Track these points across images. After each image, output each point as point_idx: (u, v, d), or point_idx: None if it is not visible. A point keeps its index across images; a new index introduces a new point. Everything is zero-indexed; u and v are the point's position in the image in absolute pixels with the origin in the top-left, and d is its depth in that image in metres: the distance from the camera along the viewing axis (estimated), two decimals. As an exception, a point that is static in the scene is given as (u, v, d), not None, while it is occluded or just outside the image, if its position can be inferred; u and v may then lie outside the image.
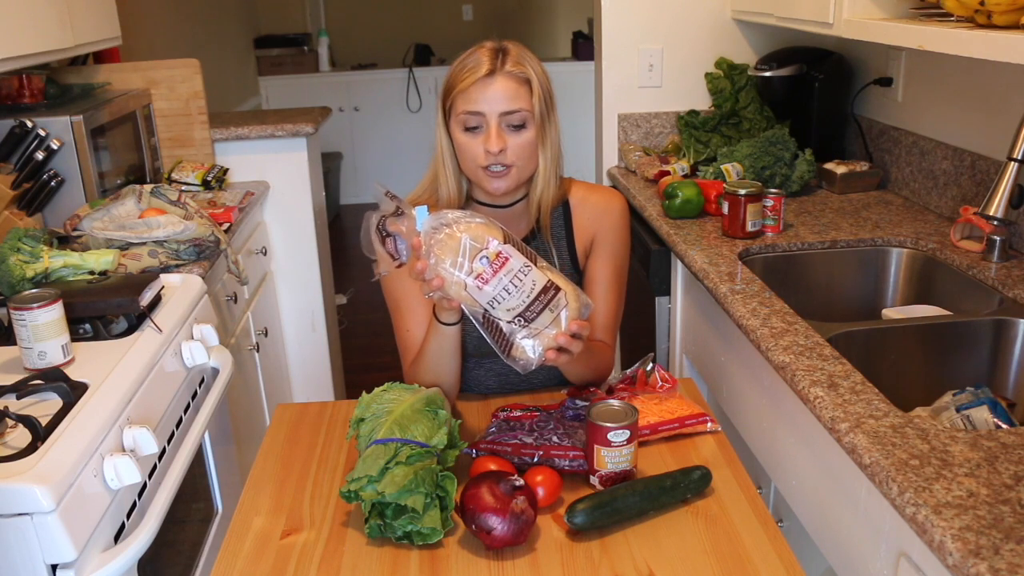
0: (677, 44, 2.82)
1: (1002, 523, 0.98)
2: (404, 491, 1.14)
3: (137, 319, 1.72)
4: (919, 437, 1.17)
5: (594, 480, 1.25)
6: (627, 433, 1.22)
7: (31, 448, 1.24)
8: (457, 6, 7.15)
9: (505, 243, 1.20)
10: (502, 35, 1.49)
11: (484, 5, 7.17)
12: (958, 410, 1.41)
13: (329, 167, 5.88)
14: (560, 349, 1.23)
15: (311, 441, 1.43)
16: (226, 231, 2.35)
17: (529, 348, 1.21)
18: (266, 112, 3.46)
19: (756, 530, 1.16)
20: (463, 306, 1.23)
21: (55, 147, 2.12)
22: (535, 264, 1.21)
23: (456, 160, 1.48)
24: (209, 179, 2.72)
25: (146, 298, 1.71)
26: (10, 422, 1.32)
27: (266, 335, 2.79)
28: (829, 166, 2.46)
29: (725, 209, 2.07)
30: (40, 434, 1.27)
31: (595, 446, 1.23)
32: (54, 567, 1.20)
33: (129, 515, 1.40)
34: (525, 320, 1.20)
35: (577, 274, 1.57)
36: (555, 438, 1.30)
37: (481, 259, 1.19)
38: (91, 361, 1.55)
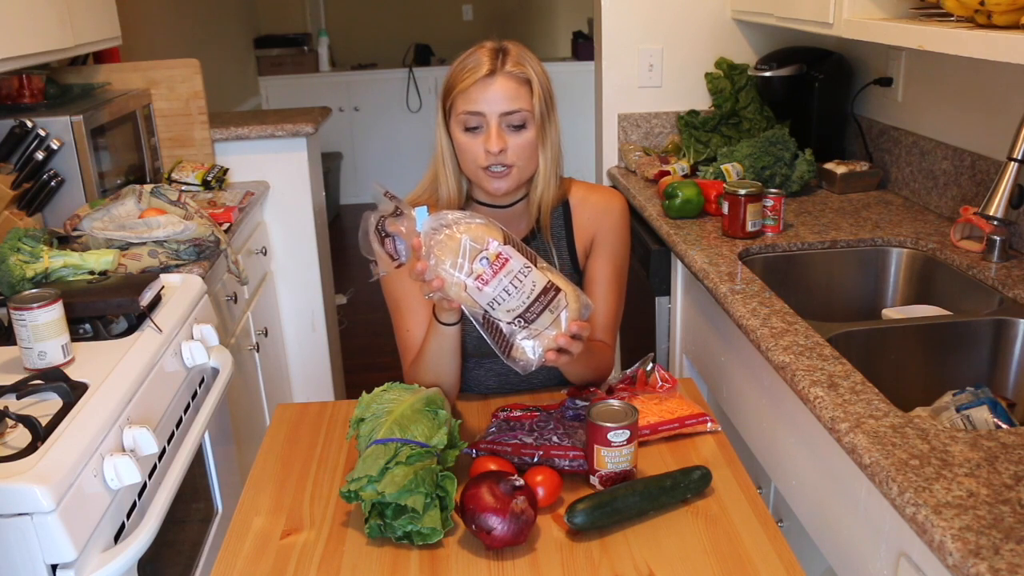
0: (677, 44, 2.82)
1: (1002, 523, 0.98)
2: (404, 491, 1.14)
3: (137, 319, 1.72)
4: (919, 437, 1.17)
5: (594, 480, 1.25)
6: (627, 433, 1.22)
7: (31, 448, 1.24)
8: (457, 6, 7.15)
9: (505, 244, 1.20)
10: (502, 35, 1.49)
11: (484, 5, 7.17)
12: (958, 410, 1.41)
13: (329, 167, 5.88)
14: (560, 350, 1.23)
15: (311, 441, 1.43)
16: (226, 231, 2.35)
17: (529, 349, 1.21)
18: (266, 112, 3.46)
19: (756, 530, 1.16)
20: (463, 307, 1.23)
21: (55, 147, 2.12)
22: (535, 265, 1.21)
23: (456, 160, 1.48)
24: (209, 179, 2.72)
25: (146, 298, 1.71)
26: (10, 422, 1.32)
27: (266, 335, 2.80)
28: (829, 166, 2.46)
29: (725, 209, 2.07)
30: (40, 434, 1.27)
31: (595, 446, 1.23)
32: (54, 567, 1.20)
33: (129, 515, 1.40)
34: (525, 321, 1.20)
35: (577, 274, 1.57)
36: (555, 438, 1.30)
37: (481, 260, 1.19)
38: (91, 361, 1.55)
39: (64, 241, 2.01)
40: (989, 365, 1.65)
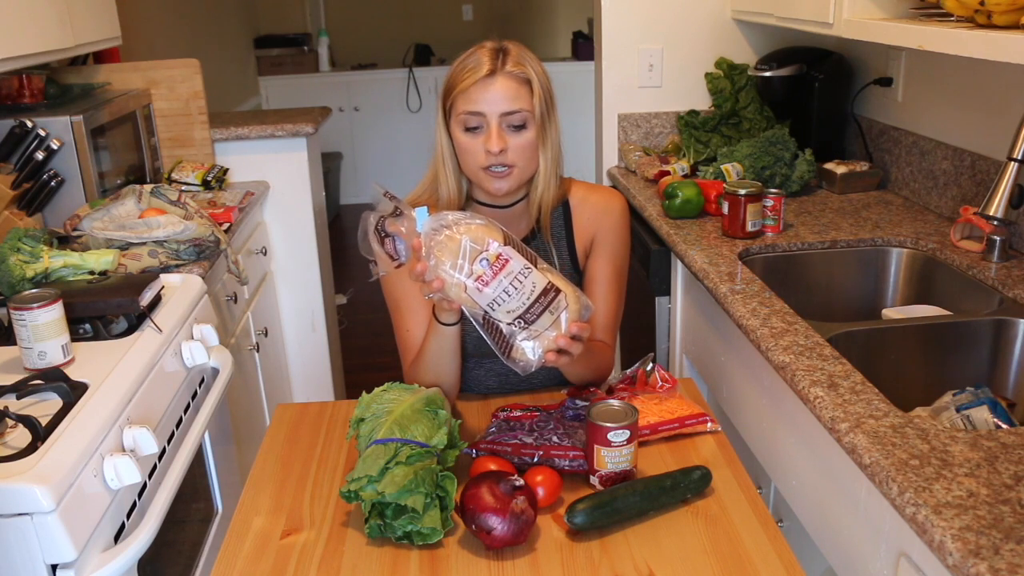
0: (677, 44, 2.82)
1: (1002, 523, 0.98)
2: (404, 491, 1.14)
3: (137, 319, 1.72)
4: (919, 437, 1.17)
5: (594, 480, 1.25)
6: (627, 433, 1.22)
7: (31, 448, 1.24)
8: (457, 6, 7.15)
9: (505, 245, 1.20)
10: (502, 35, 1.49)
11: (484, 5, 7.17)
12: (958, 410, 1.41)
13: (329, 167, 5.88)
14: (560, 351, 1.23)
15: (311, 441, 1.43)
16: (226, 231, 2.35)
17: (529, 350, 1.21)
18: (266, 112, 3.46)
19: (756, 530, 1.16)
20: (463, 307, 1.23)
21: (55, 147, 2.12)
22: (535, 266, 1.21)
23: (456, 160, 1.48)
24: (209, 179, 2.72)
25: (146, 298, 1.71)
26: (10, 422, 1.32)
27: (266, 335, 2.80)
28: (829, 166, 2.46)
29: (725, 209, 2.07)
30: (40, 434, 1.27)
31: (595, 446, 1.23)
32: (54, 567, 1.20)
33: (129, 515, 1.40)
34: (525, 322, 1.20)
35: (577, 274, 1.57)
36: (555, 438, 1.30)
37: (481, 261, 1.19)
38: (91, 361, 1.55)
39: (64, 241, 2.01)
40: (989, 365, 1.65)
